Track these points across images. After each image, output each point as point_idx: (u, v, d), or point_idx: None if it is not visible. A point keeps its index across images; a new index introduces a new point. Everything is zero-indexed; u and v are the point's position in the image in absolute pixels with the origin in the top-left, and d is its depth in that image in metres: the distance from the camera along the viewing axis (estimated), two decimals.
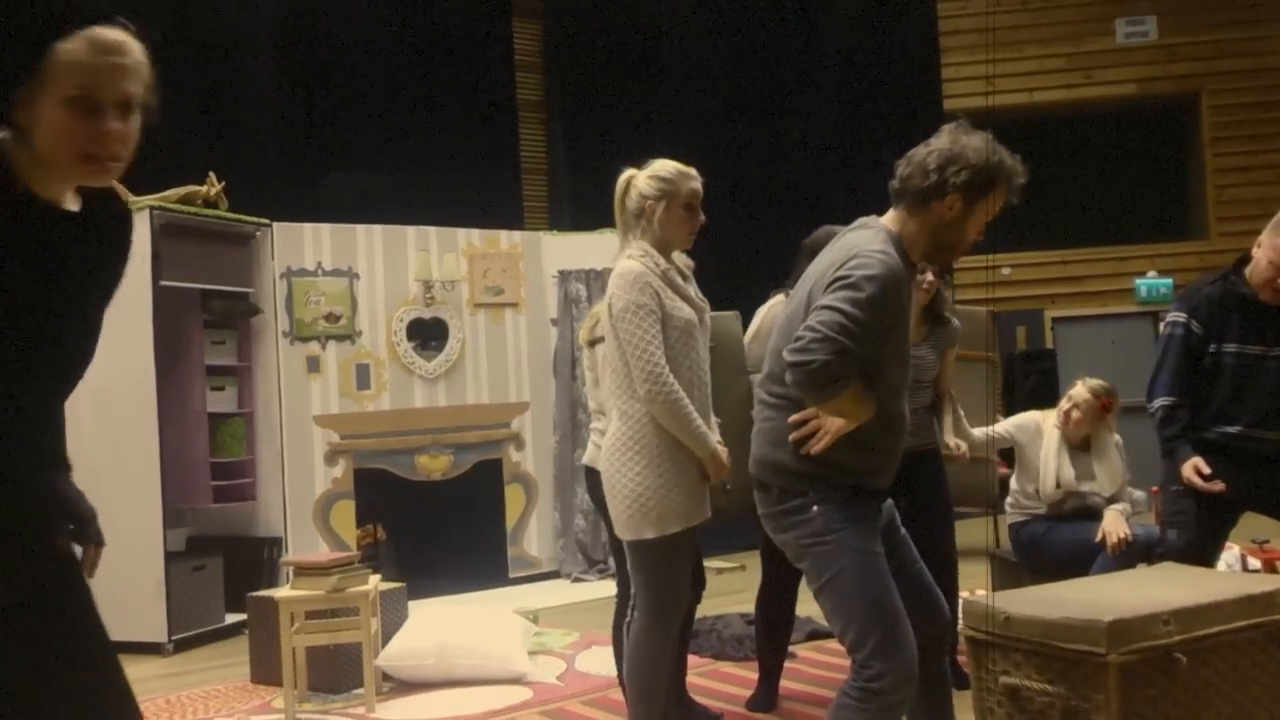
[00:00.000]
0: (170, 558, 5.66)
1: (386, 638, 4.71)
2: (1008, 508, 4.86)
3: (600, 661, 4.79)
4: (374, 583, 4.54)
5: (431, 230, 7.01)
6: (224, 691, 4.81)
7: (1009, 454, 4.88)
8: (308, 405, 6.51)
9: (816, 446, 2.53)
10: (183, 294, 6.00)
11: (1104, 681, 2.53)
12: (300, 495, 6.44)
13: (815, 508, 2.55)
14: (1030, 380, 9.56)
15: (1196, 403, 3.76)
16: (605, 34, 9.38)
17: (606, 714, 4.18)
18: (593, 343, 3.89)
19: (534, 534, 7.25)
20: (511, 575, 7.10)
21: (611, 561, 5.93)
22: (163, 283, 5.71)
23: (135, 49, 1.73)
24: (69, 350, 1.82)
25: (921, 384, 4.11)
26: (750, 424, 2.75)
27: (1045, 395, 8.22)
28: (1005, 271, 10.13)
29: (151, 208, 5.65)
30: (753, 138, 9.49)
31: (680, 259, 3.30)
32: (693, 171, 3.23)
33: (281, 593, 4.46)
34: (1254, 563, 5.09)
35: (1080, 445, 4.64)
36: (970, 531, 6.06)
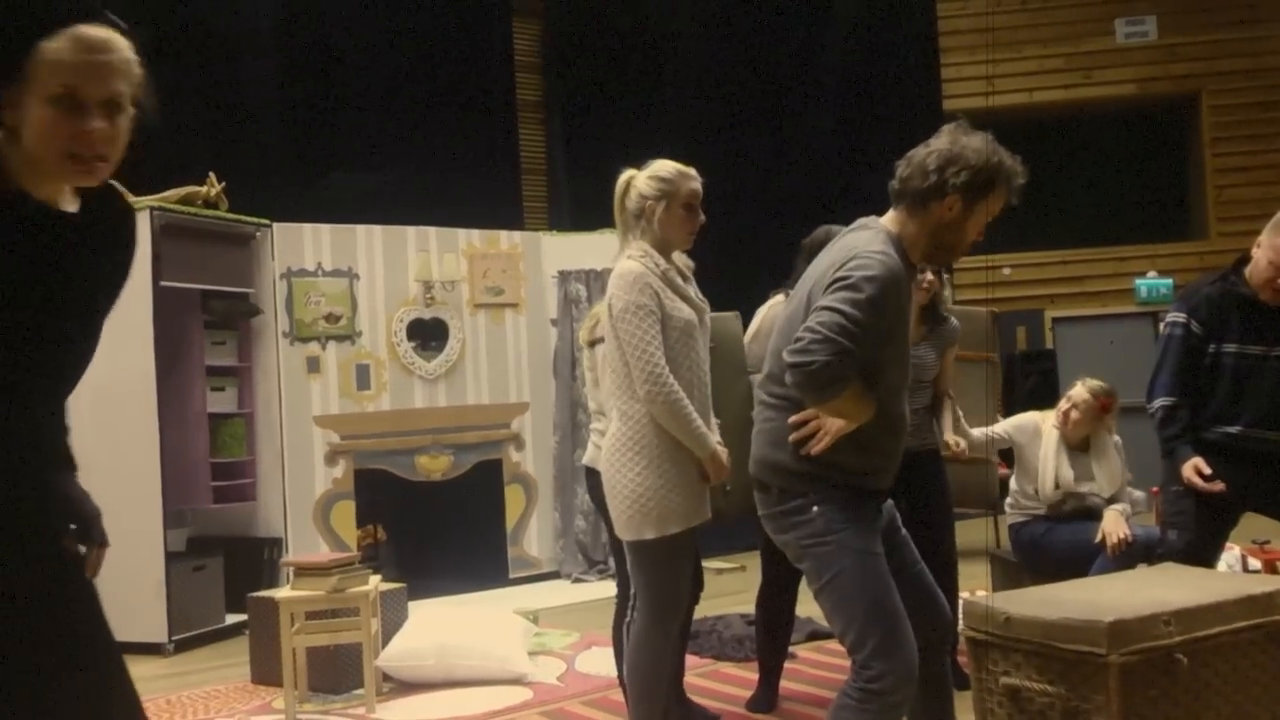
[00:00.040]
0: (171, 558, 5.67)
1: (387, 638, 4.71)
2: (1007, 508, 4.86)
3: (600, 662, 4.79)
4: (374, 583, 4.55)
5: (431, 231, 7.01)
6: (224, 692, 4.81)
7: (1009, 454, 4.88)
8: (308, 406, 6.52)
9: (817, 447, 2.53)
10: (183, 294, 6.00)
11: (1104, 682, 2.53)
12: (300, 496, 6.44)
13: (815, 508, 2.55)
14: (1030, 380, 9.57)
15: (1196, 403, 3.76)
16: (605, 34, 9.38)
17: (607, 714, 4.18)
18: (593, 343, 3.89)
19: (534, 534, 7.25)
20: (511, 576, 7.11)
21: (612, 562, 5.93)
22: (163, 283, 5.71)
23: (122, 47, 1.71)
24: (67, 350, 1.81)
25: (921, 384, 4.11)
26: (750, 425, 2.75)
27: (1045, 395, 8.21)
28: (1005, 272, 10.13)
29: (152, 208, 5.65)
30: (752, 138, 9.48)
31: (681, 259, 3.30)
32: (692, 172, 3.22)
33: (282, 593, 4.46)
34: (1254, 563, 5.09)
35: (1079, 446, 4.64)
36: (970, 532, 6.07)
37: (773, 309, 4.09)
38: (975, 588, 4.69)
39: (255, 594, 5.01)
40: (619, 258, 3.18)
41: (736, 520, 3.77)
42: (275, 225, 6.52)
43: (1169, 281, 9.94)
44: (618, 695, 4.02)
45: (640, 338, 3.03)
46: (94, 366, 1.88)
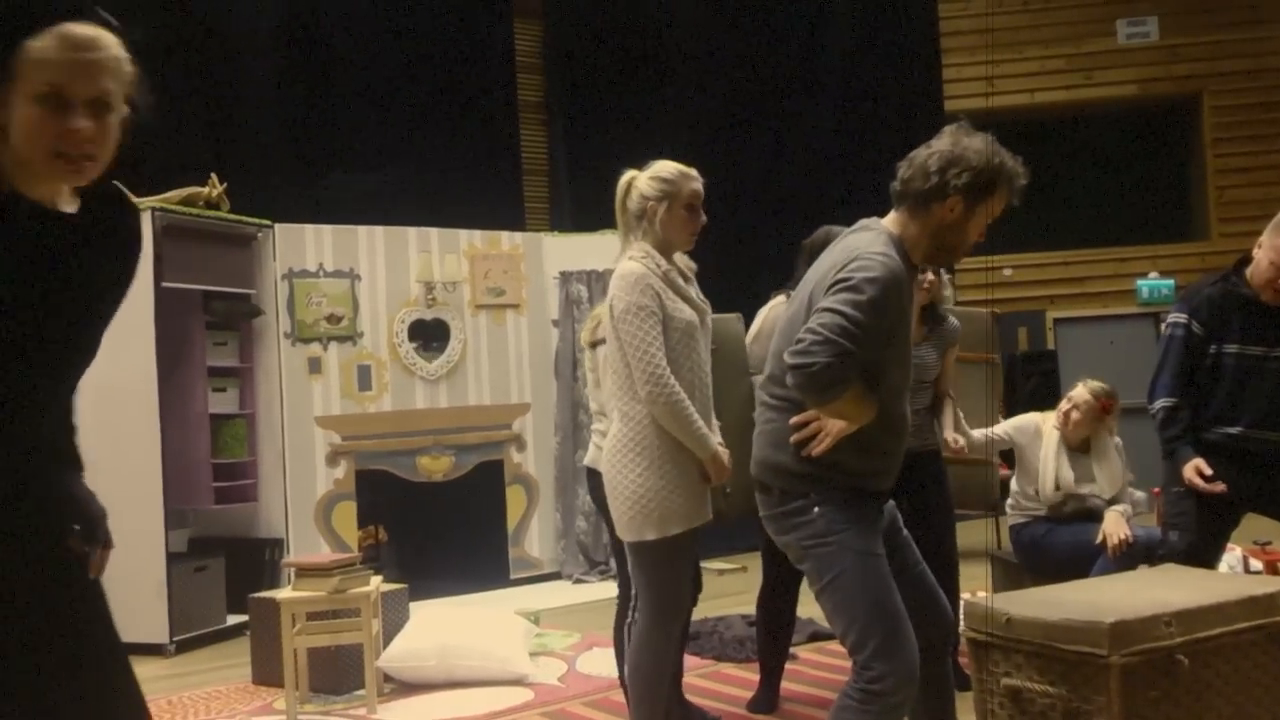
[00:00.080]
0: (172, 559, 5.67)
1: (388, 639, 4.71)
2: (1008, 509, 4.86)
3: (601, 663, 4.79)
4: (375, 584, 4.55)
5: (433, 231, 7.01)
6: (225, 693, 4.81)
7: (1010, 455, 4.88)
8: (309, 406, 6.52)
9: (818, 448, 2.53)
10: (184, 295, 6.01)
11: (1106, 683, 2.53)
12: (302, 496, 6.44)
13: (816, 509, 2.55)
14: (1031, 381, 9.56)
15: (1197, 404, 3.77)
16: (606, 35, 9.38)
17: (608, 715, 4.18)
18: (594, 344, 3.89)
19: (535, 535, 7.25)
20: (513, 576, 7.11)
21: (613, 563, 5.93)
22: (164, 284, 5.72)
23: (110, 45, 1.70)
24: (67, 350, 1.81)
25: (922, 384, 4.11)
26: (751, 426, 2.75)
27: (1046, 396, 8.21)
28: (1007, 272, 10.13)
29: (153, 209, 5.66)
30: (753, 139, 9.48)
31: (683, 261, 3.30)
32: (694, 172, 3.22)
33: (283, 594, 4.46)
34: (1256, 564, 5.09)
35: (1080, 447, 4.63)
36: (971, 533, 6.06)
37: (773, 310, 4.09)
38: (976, 589, 4.69)
39: (256, 595, 5.01)
40: (620, 259, 3.18)
41: (737, 522, 3.77)
42: (277, 226, 6.52)
43: (1170, 282, 9.94)
44: (619, 696, 4.02)
45: (641, 339, 3.03)
46: (95, 367, 1.88)
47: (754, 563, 4.74)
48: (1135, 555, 4.28)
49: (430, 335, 6.99)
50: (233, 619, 5.93)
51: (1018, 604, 2.81)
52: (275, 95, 8.00)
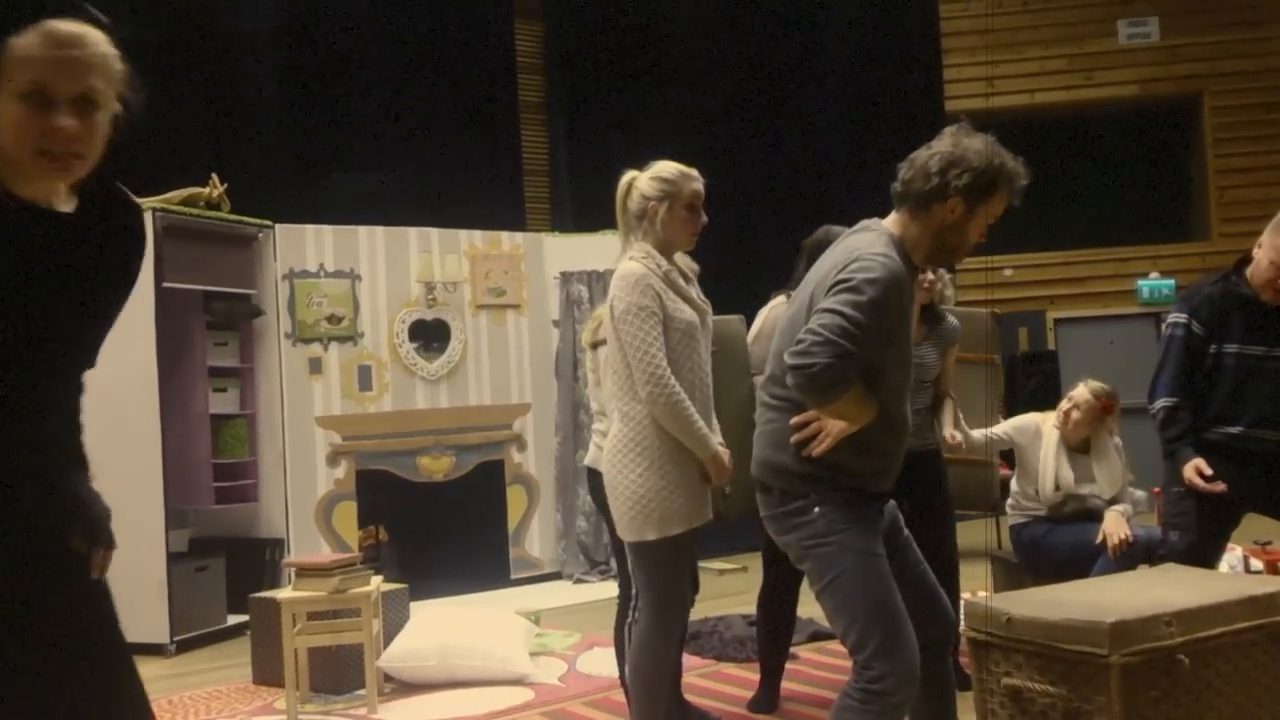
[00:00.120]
0: (172, 559, 5.67)
1: (388, 639, 4.72)
2: (1008, 509, 4.86)
3: (602, 663, 4.79)
4: (376, 584, 4.55)
5: (433, 232, 7.02)
6: (226, 693, 4.81)
7: (1011, 455, 4.88)
8: (310, 407, 6.52)
9: (818, 449, 2.53)
10: (185, 295, 6.01)
11: (1106, 683, 2.53)
12: (302, 496, 6.45)
13: (817, 509, 2.55)
14: (1032, 381, 9.56)
15: (1198, 404, 3.76)
16: (606, 35, 9.38)
17: (608, 715, 4.18)
18: (595, 345, 3.89)
19: (536, 535, 7.25)
20: (513, 576, 7.11)
21: (613, 563, 5.93)
22: (165, 284, 5.72)
23: (96, 42, 1.68)
24: (66, 350, 1.80)
25: (923, 384, 4.11)
26: (751, 428, 2.75)
27: (1047, 396, 8.21)
28: (1007, 273, 10.13)
29: (154, 209, 5.66)
30: (754, 139, 9.49)
31: (685, 262, 3.30)
32: (694, 172, 3.23)
33: (283, 594, 4.46)
34: (1256, 564, 5.09)
35: (1079, 448, 4.63)
36: (971, 533, 6.06)
37: (773, 310, 4.09)
38: (976, 588, 4.69)
39: (257, 595, 5.01)
40: (621, 259, 3.18)
41: (736, 523, 3.78)
42: (277, 226, 6.53)
43: (1171, 282, 9.94)
44: (619, 696, 4.02)
45: (642, 339, 3.03)
46: (96, 367, 1.88)
47: (754, 563, 4.74)
48: (1135, 555, 4.28)
49: (431, 335, 6.99)
50: (233, 619, 5.93)
51: (1018, 604, 2.81)
52: (276, 95, 8.00)
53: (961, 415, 4.36)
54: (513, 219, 8.38)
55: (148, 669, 5.27)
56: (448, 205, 7.61)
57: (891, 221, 2.63)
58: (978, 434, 4.55)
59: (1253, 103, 10.17)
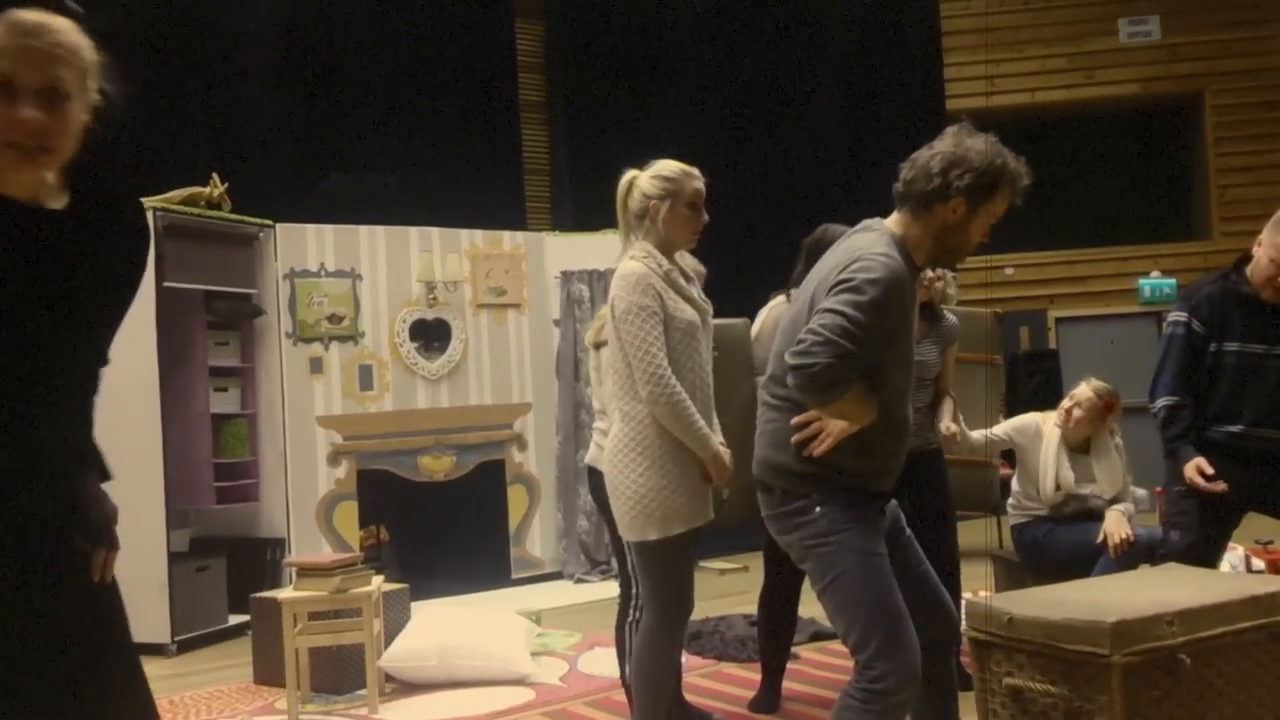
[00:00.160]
0: (173, 559, 5.67)
1: (389, 639, 4.72)
2: (1009, 509, 4.86)
3: (603, 662, 4.79)
4: (377, 584, 4.55)
5: (434, 231, 7.01)
6: (227, 692, 4.81)
7: (1012, 455, 4.88)
8: (311, 406, 6.52)
9: (819, 449, 2.53)
10: (186, 295, 6.01)
11: (1108, 683, 2.53)
12: (303, 496, 6.45)
13: (818, 509, 2.55)
14: (1034, 381, 9.56)
15: (1198, 402, 3.76)
16: (607, 35, 9.38)
17: (609, 715, 4.18)
18: (598, 345, 3.89)
19: (536, 535, 7.25)
20: (514, 576, 7.11)
21: (614, 562, 5.93)
22: (166, 284, 5.72)
23: (61, 31, 1.63)
24: (65, 349, 1.77)
25: (923, 382, 4.11)
26: (751, 432, 2.75)
27: (1048, 396, 8.20)
28: (1008, 272, 10.13)
29: (155, 209, 5.66)
30: (755, 139, 9.48)
31: (692, 264, 3.30)
32: (696, 171, 3.22)
33: (284, 594, 4.46)
34: (1258, 563, 5.09)
35: (1080, 447, 4.63)
36: (972, 533, 6.06)
37: (773, 310, 4.09)
38: (978, 588, 4.69)
39: (258, 594, 5.01)
40: (622, 258, 3.18)
41: (735, 524, 3.78)
42: (278, 226, 6.53)
43: (1172, 281, 9.94)
44: (620, 696, 4.02)
45: (642, 339, 3.03)
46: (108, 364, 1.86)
47: (755, 562, 4.74)
48: (1137, 555, 4.28)
49: (431, 335, 6.99)
50: (234, 619, 5.93)
51: (1019, 603, 2.81)
52: (277, 95, 8.00)
53: (962, 418, 4.35)
54: (513, 218, 8.38)
55: (149, 669, 5.25)
56: (448, 204, 7.61)
57: (893, 221, 2.63)
58: (978, 435, 4.55)
59: (1254, 101, 10.16)
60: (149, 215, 5.47)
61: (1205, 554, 3.68)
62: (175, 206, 5.91)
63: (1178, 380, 3.78)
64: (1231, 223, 9.97)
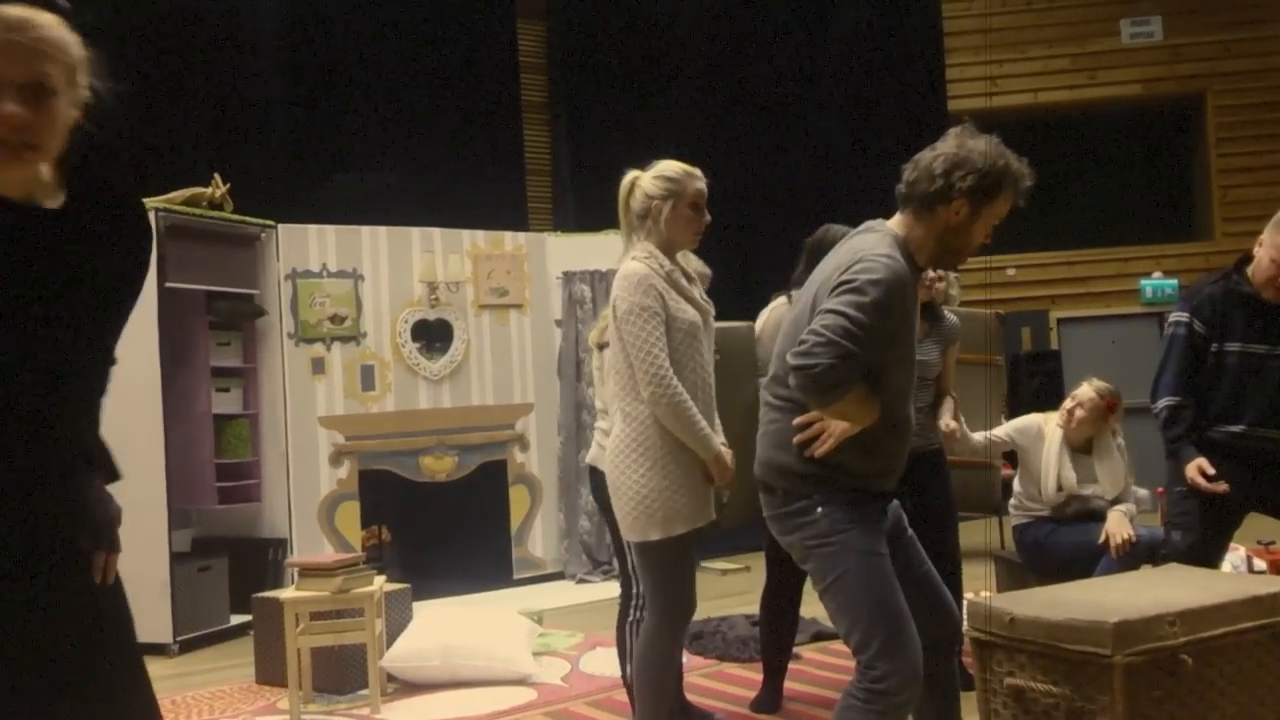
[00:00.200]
0: (175, 559, 5.68)
1: (391, 639, 4.72)
2: (1011, 510, 4.86)
3: (605, 662, 4.79)
4: (379, 584, 4.55)
5: (436, 232, 7.02)
6: (229, 692, 4.82)
7: (1013, 455, 4.88)
8: (313, 406, 6.52)
9: (821, 449, 2.53)
10: (188, 295, 6.02)
11: (1109, 683, 2.53)
12: (305, 496, 6.45)
13: (820, 509, 2.55)
14: (1035, 381, 9.56)
15: (1200, 402, 3.76)
16: (609, 35, 9.39)
17: (611, 715, 4.18)
18: (602, 346, 3.89)
19: (538, 535, 7.26)
20: (516, 576, 7.11)
21: (615, 562, 5.93)
22: (168, 284, 5.73)
23: (44, 25, 1.60)
24: (65, 348, 1.75)
25: (925, 382, 4.11)
26: (753, 434, 2.75)
27: (1050, 396, 8.20)
28: (1010, 272, 10.12)
29: (157, 209, 5.67)
30: (756, 139, 9.48)
31: (697, 265, 3.30)
32: (698, 172, 3.22)
33: (286, 594, 4.47)
34: (1260, 564, 5.08)
35: (1082, 448, 4.63)
36: (974, 533, 6.06)
37: (774, 312, 4.09)
38: (979, 589, 4.68)
39: (260, 594, 5.02)
40: (624, 259, 3.18)
41: (736, 526, 3.78)
42: (280, 226, 6.53)
43: (1174, 282, 9.93)
44: (622, 696, 4.02)
45: (644, 339, 3.03)
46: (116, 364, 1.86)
47: (757, 563, 4.75)
48: (1138, 555, 4.28)
49: (433, 335, 7.00)
50: (236, 619, 5.93)
51: (1021, 604, 2.81)
52: (279, 95, 8.01)
53: (963, 418, 4.35)
54: (515, 219, 8.38)
55: (151, 669, 5.26)
56: (450, 205, 7.61)
57: (896, 223, 2.63)
58: (979, 436, 4.55)
59: (1256, 102, 10.16)
60: (151, 215, 5.52)
61: (1207, 554, 3.68)
62: (177, 207, 5.92)
63: (1179, 380, 3.78)
64: (1233, 223, 9.97)
